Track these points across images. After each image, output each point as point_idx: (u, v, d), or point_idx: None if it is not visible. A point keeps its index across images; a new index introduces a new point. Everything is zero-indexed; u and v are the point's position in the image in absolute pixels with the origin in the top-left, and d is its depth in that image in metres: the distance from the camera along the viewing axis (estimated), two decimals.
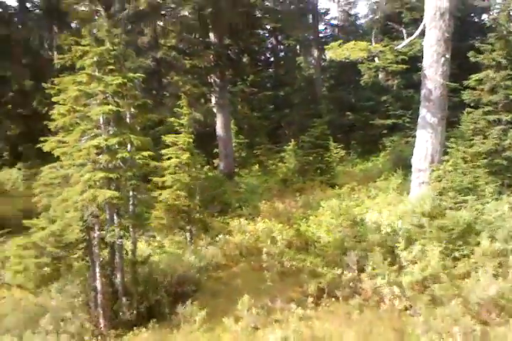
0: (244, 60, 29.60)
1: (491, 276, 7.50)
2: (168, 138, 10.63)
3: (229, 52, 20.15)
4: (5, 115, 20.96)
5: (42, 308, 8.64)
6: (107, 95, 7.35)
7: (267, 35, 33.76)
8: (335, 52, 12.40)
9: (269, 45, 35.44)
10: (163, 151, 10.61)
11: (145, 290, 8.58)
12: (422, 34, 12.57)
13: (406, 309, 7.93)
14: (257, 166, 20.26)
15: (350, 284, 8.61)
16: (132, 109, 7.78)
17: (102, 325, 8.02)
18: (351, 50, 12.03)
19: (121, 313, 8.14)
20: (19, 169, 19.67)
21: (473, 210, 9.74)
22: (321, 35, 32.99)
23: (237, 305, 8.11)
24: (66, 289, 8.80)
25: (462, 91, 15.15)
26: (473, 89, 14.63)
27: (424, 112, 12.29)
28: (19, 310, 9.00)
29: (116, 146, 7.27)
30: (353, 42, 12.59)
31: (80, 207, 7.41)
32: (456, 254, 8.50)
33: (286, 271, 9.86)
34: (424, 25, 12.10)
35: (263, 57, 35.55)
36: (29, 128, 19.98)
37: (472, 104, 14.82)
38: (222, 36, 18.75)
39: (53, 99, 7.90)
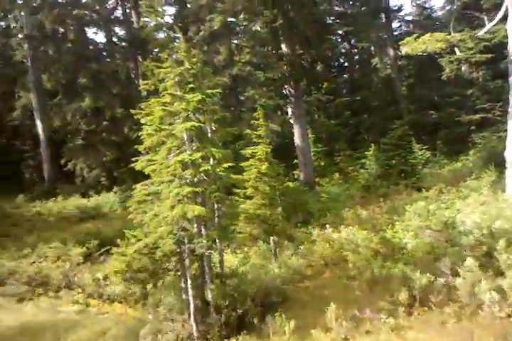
0: (318, 67, 29.81)
1: None
2: (247, 151, 10.90)
3: (302, 61, 20.22)
4: (100, 142, 22.78)
5: (140, 321, 9.21)
6: (189, 112, 7.74)
7: (339, 40, 33.59)
8: (411, 47, 11.97)
9: (343, 50, 35.25)
10: (242, 164, 10.89)
11: (233, 301, 8.79)
12: (505, 18, 11.70)
13: (509, 316, 7.30)
14: (337, 174, 20.00)
15: (444, 291, 8.12)
16: (212, 124, 8.13)
17: (195, 337, 8.32)
18: (428, 42, 11.48)
19: (212, 325, 8.39)
20: (115, 192, 21.14)
21: None
22: (395, 33, 32.01)
23: (325, 316, 8.01)
24: (162, 302, 9.33)
25: None
26: None
27: None
28: (120, 323, 9.71)
29: (200, 161, 7.62)
30: (429, 34, 12.03)
31: (170, 221, 7.83)
32: None
33: (375, 279, 9.53)
34: (506, 7, 11.26)
35: (337, 63, 35.40)
36: (122, 153, 21.59)
37: None
38: (294, 46, 18.90)
39: (141, 121, 8.44)
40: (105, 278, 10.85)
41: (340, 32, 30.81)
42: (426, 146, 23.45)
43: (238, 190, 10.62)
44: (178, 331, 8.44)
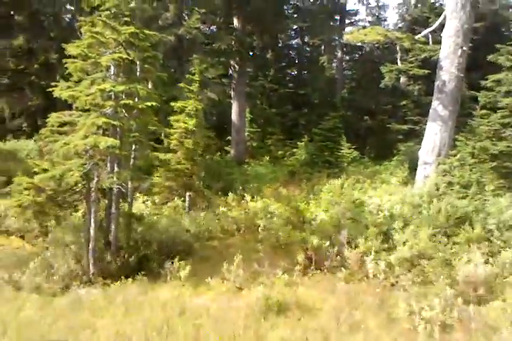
0: (268, 55, 30.16)
1: (480, 256, 7.42)
2: (177, 104, 10.76)
3: (253, 43, 20.30)
4: (28, 85, 21.37)
5: (36, 255, 8.84)
6: (119, 45, 7.51)
7: (293, 34, 34.18)
8: (352, 36, 12.44)
9: (295, 45, 35.86)
10: (171, 118, 10.74)
11: (136, 244, 8.72)
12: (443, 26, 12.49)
13: (392, 285, 7.89)
14: (267, 157, 20.34)
15: (339, 258, 8.61)
16: (143, 64, 7.93)
17: (91, 273, 8.15)
18: (368, 33, 12.03)
19: (111, 263, 8.26)
20: (35, 141, 20.04)
21: (473, 202, 9.68)
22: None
23: (225, 268, 8.18)
24: (60, 238, 9.03)
25: (477, 92, 15.06)
26: (490, 90, 14.54)
27: (435, 104, 12.23)
28: (13, 255, 9.27)
29: (123, 95, 7.42)
30: (371, 27, 12.61)
31: (81, 152, 7.57)
32: (447, 239, 8.41)
33: (280, 245, 9.89)
34: (444, 15, 12.07)
35: (287, 56, 35.90)
36: (49, 101, 20.35)
37: (487, 106, 14.73)
38: (245, 24, 18.89)
39: (67, 48, 8.04)
40: (5, 211, 10.28)
41: (295, 27, 31.47)
42: (355, 146, 24.39)
43: (163, 141, 10.44)
44: (73, 267, 8.23)
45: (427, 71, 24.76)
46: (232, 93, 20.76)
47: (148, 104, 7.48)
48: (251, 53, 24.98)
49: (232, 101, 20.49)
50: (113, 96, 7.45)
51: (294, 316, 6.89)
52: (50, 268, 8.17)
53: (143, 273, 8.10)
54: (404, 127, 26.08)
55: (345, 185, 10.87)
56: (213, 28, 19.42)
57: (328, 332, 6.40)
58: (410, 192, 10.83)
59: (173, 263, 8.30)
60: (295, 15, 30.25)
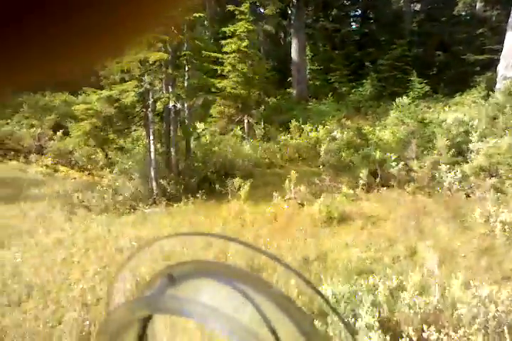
0: None
1: None
2: (228, 28, 10.30)
3: None
4: None
5: (103, 182, 9.15)
6: None
7: None
8: None
9: None
10: (223, 42, 10.34)
11: (197, 167, 8.70)
12: None
13: (467, 196, 7.26)
14: (330, 95, 19.46)
15: (407, 173, 8.04)
16: None
17: (154, 194, 8.28)
18: None
19: (173, 185, 8.34)
20: None
21: None
22: None
23: (286, 185, 7.97)
24: (124, 165, 9.23)
25: None
26: None
27: None
28: (81, 183, 9.69)
29: None
30: None
31: (135, 70, 7.50)
32: None
33: (343, 166, 9.44)
34: None
35: None
36: None
37: None
38: None
39: None
40: (74, 147, 10.67)
41: None
42: (427, 81, 22.68)
43: (214, 67, 10.13)
44: (138, 190, 8.41)
45: None
46: (291, 30, 19.80)
47: (196, 15, 7.12)
48: None
49: (291, 39, 19.60)
50: None
51: (357, 225, 6.57)
52: (117, 191, 8.41)
53: (204, 192, 8.10)
54: (482, 57, 23.83)
55: (413, 104, 9.99)
56: None
57: (395, 238, 6.03)
58: (487, 105, 9.79)
59: (233, 183, 8.21)
60: None
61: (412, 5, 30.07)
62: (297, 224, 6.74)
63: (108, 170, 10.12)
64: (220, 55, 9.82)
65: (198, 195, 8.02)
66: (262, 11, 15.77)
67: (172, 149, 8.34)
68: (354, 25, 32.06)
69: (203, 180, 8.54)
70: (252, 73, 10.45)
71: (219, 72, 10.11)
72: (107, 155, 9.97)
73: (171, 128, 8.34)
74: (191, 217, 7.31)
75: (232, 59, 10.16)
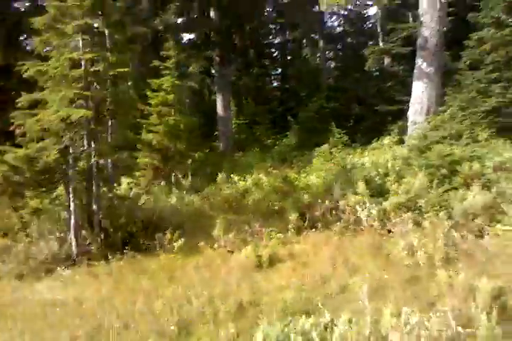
0: (251, 54, 30.03)
1: (477, 189, 7.08)
2: (154, 81, 10.47)
3: (232, 35, 20.09)
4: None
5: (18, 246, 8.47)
6: (85, 12, 7.24)
7: (273, 31, 34.14)
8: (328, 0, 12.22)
9: (277, 43, 35.79)
10: (149, 94, 10.44)
11: (122, 223, 8.35)
12: None
13: (389, 232, 7.52)
14: (257, 147, 19.98)
15: (333, 213, 8.26)
16: (112, 32, 7.67)
17: (74, 255, 7.77)
18: None
19: (95, 243, 7.89)
20: None
21: (466, 148, 9.38)
22: (328, 24, 33.09)
23: (215, 234, 7.85)
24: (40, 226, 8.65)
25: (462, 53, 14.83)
26: (474, 48, 14.30)
27: (419, 62, 11.99)
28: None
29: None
30: None
31: (54, 126, 7.28)
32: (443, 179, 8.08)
33: (272, 212, 9.52)
34: None
35: (270, 54, 35.86)
36: None
37: (473, 64, 14.47)
38: (222, 15, 18.62)
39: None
40: None
41: (271, 27, 31.50)
42: (345, 131, 24.04)
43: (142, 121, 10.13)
44: (56, 251, 7.84)
45: (410, 49, 24.72)
46: (215, 87, 20.53)
47: (121, 70, 7.19)
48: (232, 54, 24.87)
49: (216, 95, 20.26)
50: (82, 66, 7.17)
51: (288, 267, 6.53)
52: (32, 254, 7.80)
53: (130, 248, 7.73)
54: (393, 108, 25.88)
55: (333, 150, 10.50)
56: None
57: (326, 276, 6.03)
58: (401, 148, 10.51)
59: (164, 235, 7.94)
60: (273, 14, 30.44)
61: (327, 62, 32.57)
62: (229, 271, 6.56)
63: (24, 232, 9.43)
64: (146, 108, 9.86)
65: (124, 252, 7.65)
66: (186, 67, 16.30)
67: (95, 206, 7.99)
68: (275, 83, 33.97)
69: (129, 235, 8.17)
70: (178, 126, 10.56)
71: (145, 125, 10.12)
72: (22, 217, 9.31)
73: (94, 184, 8.04)
74: (116, 275, 6.90)
75: (158, 112, 10.25)
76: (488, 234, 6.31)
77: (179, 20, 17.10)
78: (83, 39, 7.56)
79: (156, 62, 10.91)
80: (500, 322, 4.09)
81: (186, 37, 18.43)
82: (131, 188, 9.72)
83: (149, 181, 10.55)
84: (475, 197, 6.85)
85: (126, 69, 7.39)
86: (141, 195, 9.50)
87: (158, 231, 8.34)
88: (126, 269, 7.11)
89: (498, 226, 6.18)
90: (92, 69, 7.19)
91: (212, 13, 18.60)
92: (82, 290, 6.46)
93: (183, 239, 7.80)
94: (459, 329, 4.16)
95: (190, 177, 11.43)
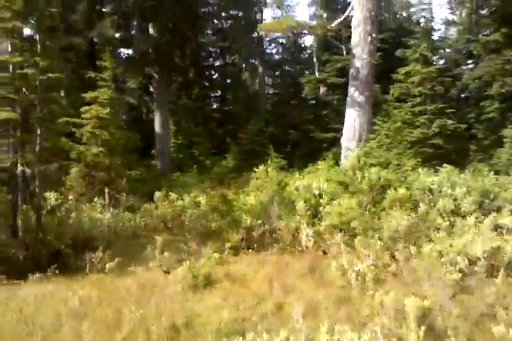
0: (191, 74, 30.19)
1: (402, 214, 7.48)
2: (88, 95, 10.17)
3: (172, 52, 20.09)
4: None
5: None
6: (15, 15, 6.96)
7: (213, 55, 34.62)
8: (266, 26, 12.68)
9: (217, 65, 36.27)
10: (82, 109, 10.10)
11: (49, 239, 7.90)
12: None
13: (324, 253, 7.73)
14: (195, 168, 19.90)
15: (270, 235, 8.36)
16: (42, 34, 7.38)
17: None
18: (283, 22, 12.32)
19: (18, 261, 7.39)
20: None
21: (393, 174, 9.95)
22: (267, 50, 34.07)
23: (150, 253, 7.64)
24: None
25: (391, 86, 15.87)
26: (401, 82, 15.35)
27: (352, 91, 12.63)
28: None
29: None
30: (285, 16, 12.98)
31: None
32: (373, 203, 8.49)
33: (209, 232, 9.43)
34: (352, 5, 12.66)
35: (210, 76, 36.21)
36: None
37: (400, 97, 15.51)
38: (162, 33, 18.63)
39: None
40: None
41: (212, 50, 31.96)
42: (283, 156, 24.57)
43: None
44: None
45: (343, 80, 26.04)
46: (154, 105, 20.33)
47: (51, 75, 6.93)
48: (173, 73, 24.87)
49: (154, 113, 20.04)
50: (10, 69, 6.84)
51: (225, 287, 6.47)
52: None
53: (56, 267, 7.31)
54: (328, 135, 26.93)
55: (270, 169, 10.69)
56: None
57: (262, 297, 6.04)
58: (334, 172, 10.92)
59: (94, 253, 7.60)
60: (214, 37, 30.98)
61: (266, 88, 33.40)
62: (163, 292, 6.39)
63: None
64: (78, 121, 9.51)
65: (49, 271, 7.21)
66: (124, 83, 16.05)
67: (19, 222, 7.52)
68: (215, 105, 34.23)
69: (56, 254, 7.73)
70: (114, 141, 10.28)
71: (78, 139, 9.75)
72: None
73: (19, 197, 7.59)
74: (38, 294, 6.47)
75: (92, 125, 9.93)
76: (414, 255, 6.65)
77: (117, 35, 16.84)
78: (12, 43, 7.25)
79: (91, 73, 10.59)
80: (427, 337, 4.30)
81: (125, 51, 18.09)
82: (60, 203, 9.24)
83: (81, 197, 10.10)
84: (402, 219, 7.22)
85: (57, 75, 7.12)
86: (72, 211, 9.06)
87: (88, 250, 8.00)
88: (51, 288, 6.69)
89: (425, 247, 6.52)
90: (20, 72, 6.88)
91: (151, 30, 18.52)
92: None
93: (115, 259, 7.48)
94: None
95: (125, 195, 11.08)
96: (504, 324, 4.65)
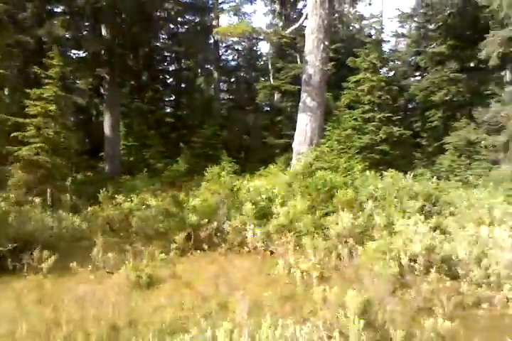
0: (144, 77, 29.75)
1: (347, 215, 7.66)
2: (33, 91, 9.77)
3: (125, 55, 19.73)
4: None
5: None
6: None
7: (168, 59, 34.27)
8: (222, 29, 12.74)
9: (171, 70, 35.93)
10: (28, 103, 9.66)
11: None
12: None
13: (272, 253, 7.77)
14: (145, 171, 19.52)
15: (218, 235, 8.32)
16: None
17: None
18: (238, 27, 12.41)
19: None
20: None
21: (342, 177, 10.18)
22: (223, 56, 34.12)
23: (93, 254, 7.41)
24: None
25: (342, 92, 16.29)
26: (352, 89, 15.80)
27: (304, 96, 12.86)
28: None
29: None
30: (240, 21, 13.09)
31: None
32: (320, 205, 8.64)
33: (156, 234, 9.26)
34: (306, 14, 12.95)
35: (164, 80, 35.81)
36: None
37: (350, 104, 15.95)
38: (114, 34, 18.27)
39: None
40: None
41: (167, 54, 31.65)
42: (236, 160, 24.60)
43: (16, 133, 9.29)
44: None
45: (297, 87, 26.51)
46: (103, 106, 19.84)
47: None
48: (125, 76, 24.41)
49: (104, 115, 19.55)
50: None
51: (169, 287, 6.36)
52: None
53: None
54: (281, 141, 27.27)
55: (223, 173, 10.66)
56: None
57: (207, 296, 5.98)
58: (285, 175, 11.04)
59: (32, 254, 7.27)
60: (170, 41, 30.71)
61: (221, 94, 33.42)
62: (105, 293, 6.19)
63: None
64: (21, 120, 9.10)
65: None
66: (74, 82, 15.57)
67: None
68: (169, 109, 33.83)
69: None
70: (59, 141, 9.90)
71: (19, 138, 9.31)
72: None
73: None
74: None
75: (36, 123, 9.51)
76: (358, 254, 6.82)
77: (67, 35, 16.35)
78: None
79: (36, 69, 10.17)
80: (367, 330, 4.40)
81: (78, 52, 17.59)
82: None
83: (22, 197, 9.65)
84: (348, 220, 7.39)
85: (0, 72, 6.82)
86: (11, 212, 8.63)
87: (28, 251, 7.65)
88: None
89: (368, 245, 6.70)
90: None
91: (103, 31, 18.12)
92: None
93: (53, 259, 7.20)
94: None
95: (69, 197, 10.69)
96: (440, 317, 4.86)
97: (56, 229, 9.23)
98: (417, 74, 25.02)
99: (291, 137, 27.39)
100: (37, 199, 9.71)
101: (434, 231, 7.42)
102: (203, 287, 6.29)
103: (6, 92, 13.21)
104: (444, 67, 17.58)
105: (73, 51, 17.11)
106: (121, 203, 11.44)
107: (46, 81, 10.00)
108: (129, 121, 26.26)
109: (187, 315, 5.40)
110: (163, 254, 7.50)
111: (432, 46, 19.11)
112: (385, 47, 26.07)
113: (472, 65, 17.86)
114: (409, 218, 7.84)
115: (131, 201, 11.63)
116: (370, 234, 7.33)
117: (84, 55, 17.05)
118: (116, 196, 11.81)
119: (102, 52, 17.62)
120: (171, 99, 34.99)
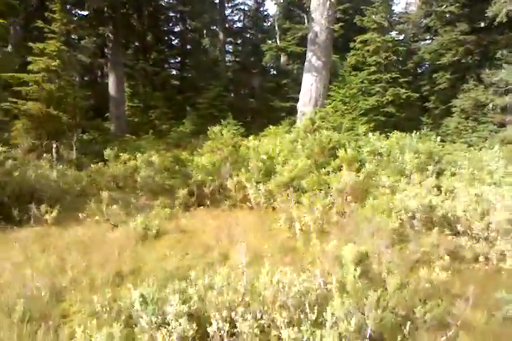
0: (149, 38, 29.16)
1: (349, 172, 7.69)
2: (36, 45, 9.63)
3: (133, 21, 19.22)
4: None
5: None
6: None
7: (173, 19, 33.42)
8: None
9: (176, 30, 35.12)
10: (29, 58, 9.56)
11: None
12: None
13: (274, 209, 7.86)
14: (150, 132, 19.50)
15: (222, 191, 8.41)
16: None
17: None
18: None
19: None
20: None
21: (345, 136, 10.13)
22: (229, 17, 33.28)
23: (98, 206, 7.55)
24: None
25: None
26: (358, 50, 15.44)
27: (310, 56, 12.60)
28: None
29: None
30: None
31: None
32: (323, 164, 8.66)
33: (161, 190, 9.38)
34: None
35: (169, 42, 35.10)
36: None
37: (357, 65, 15.63)
38: None
39: None
40: None
41: (172, 14, 30.82)
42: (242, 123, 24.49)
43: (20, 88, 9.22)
44: None
45: (304, 49, 25.94)
46: (108, 66, 19.58)
47: None
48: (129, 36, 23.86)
49: (108, 74, 19.32)
50: None
51: (174, 238, 6.52)
52: None
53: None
54: (287, 104, 26.99)
55: (225, 131, 10.63)
56: None
57: (209, 247, 6.13)
58: (289, 135, 11.01)
59: (38, 207, 7.41)
60: (174, 1, 29.83)
61: (227, 55, 32.81)
62: (111, 242, 6.36)
63: None
64: (24, 75, 9.01)
65: None
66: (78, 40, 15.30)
67: None
68: (174, 71, 33.36)
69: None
70: (64, 95, 9.82)
71: (23, 93, 9.25)
72: None
73: None
74: None
75: (40, 78, 9.42)
76: (358, 209, 6.90)
77: None
78: None
79: (40, 24, 9.98)
80: (363, 278, 4.52)
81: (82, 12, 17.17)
82: (7, 158, 8.85)
83: (27, 152, 9.71)
84: (349, 178, 7.42)
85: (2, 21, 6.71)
86: (17, 166, 8.72)
87: (34, 203, 7.80)
88: None
89: (369, 202, 6.78)
90: None
91: None
92: None
93: (58, 211, 7.34)
94: (328, 286, 4.52)
95: (75, 153, 10.75)
96: (439, 269, 4.96)
97: (61, 183, 9.35)
98: (427, 37, 24.36)
99: (297, 100, 27.22)
100: (44, 155, 9.78)
101: (438, 189, 7.48)
102: (205, 239, 6.43)
103: (9, 48, 13.06)
104: (453, 28, 17.05)
105: (76, 11, 16.62)
106: (126, 161, 11.53)
107: (49, 35, 9.82)
108: (134, 82, 26.03)
109: (189, 264, 5.56)
110: (168, 209, 7.61)
111: (444, 7, 18.45)
112: (396, 9, 25.14)
113: (482, 25, 17.28)
114: (411, 177, 7.87)
115: (136, 159, 11.72)
116: (371, 191, 7.38)
117: (86, 13, 16.58)
118: (121, 154, 11.89)
119: (105, 9, 17.19)
120: (177, 60, 34.44)
